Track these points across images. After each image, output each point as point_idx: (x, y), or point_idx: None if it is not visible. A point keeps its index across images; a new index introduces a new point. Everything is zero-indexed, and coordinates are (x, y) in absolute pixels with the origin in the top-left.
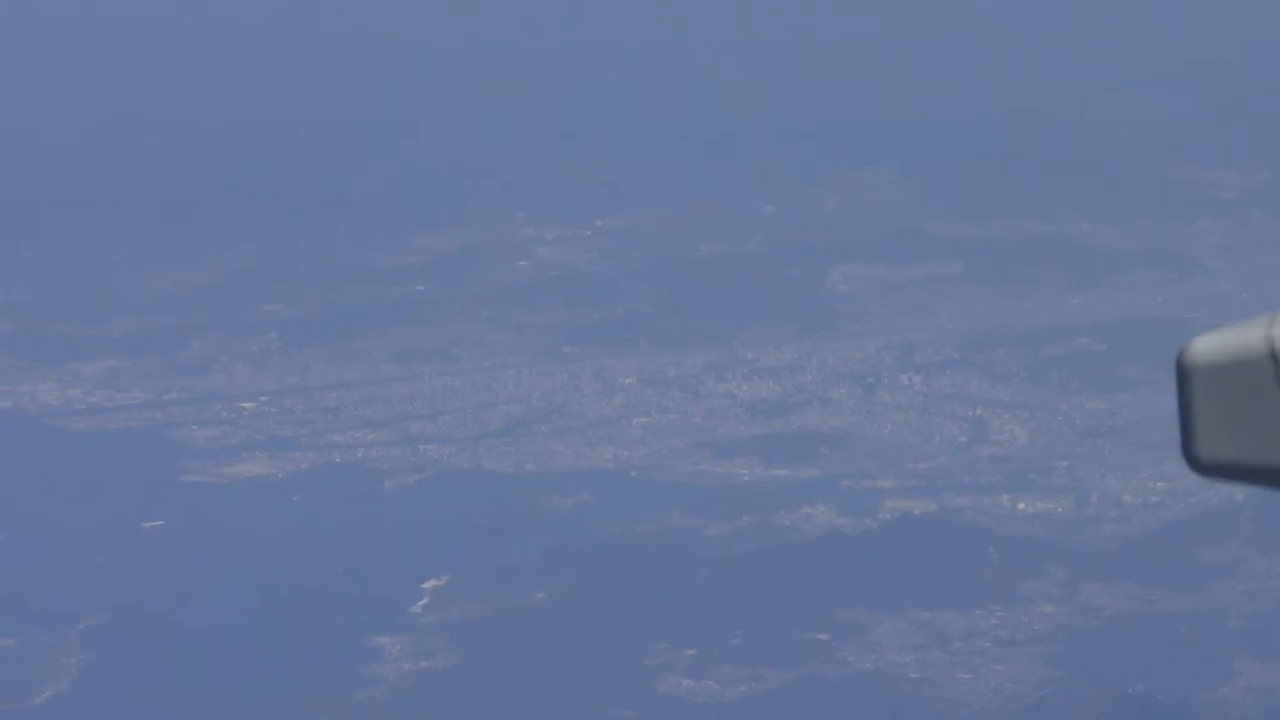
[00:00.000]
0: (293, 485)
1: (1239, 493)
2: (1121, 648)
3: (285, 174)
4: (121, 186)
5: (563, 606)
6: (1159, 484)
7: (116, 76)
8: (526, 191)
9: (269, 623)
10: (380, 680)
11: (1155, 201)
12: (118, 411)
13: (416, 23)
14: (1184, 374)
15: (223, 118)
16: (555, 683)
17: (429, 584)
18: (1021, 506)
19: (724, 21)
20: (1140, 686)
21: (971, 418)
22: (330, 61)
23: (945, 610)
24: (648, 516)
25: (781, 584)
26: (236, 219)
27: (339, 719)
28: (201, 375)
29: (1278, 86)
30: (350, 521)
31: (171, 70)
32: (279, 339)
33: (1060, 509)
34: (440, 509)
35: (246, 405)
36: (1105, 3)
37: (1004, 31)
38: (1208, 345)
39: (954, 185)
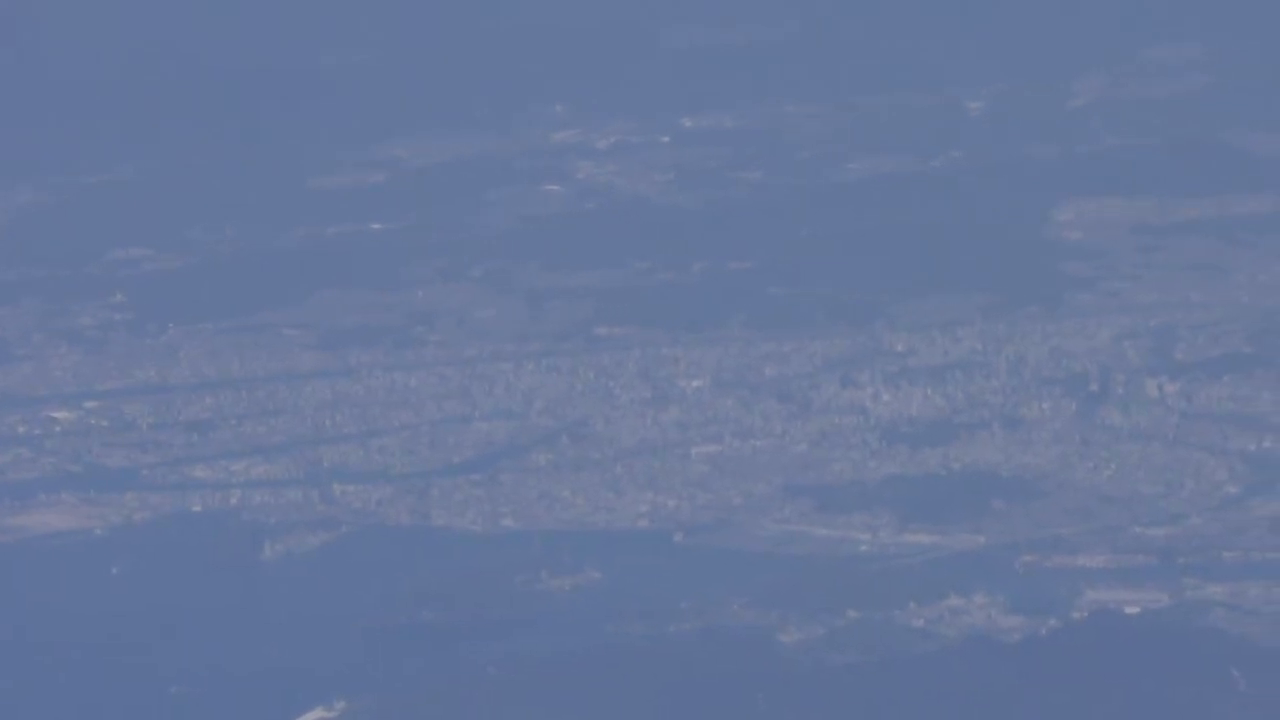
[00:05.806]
0: (115, 549)
1: None
2: None
3: (184, 46)
4: None
5: None
6: None
7: None
8: (572, 73)
9: None
10: None
11: None
12: None
13: None
14: None
15: None
16: None
17: (317, 716)
18: None
19: None
20: None
21: (1253, 453)
22: None
23: None
24: (693, 608)
25: None
26: (97, 112)
27: None
28: None
29: None
30: (206, 611)
31: None
32: (129, 306)
33: None
34: (356, 591)
35: (59, 415)
36: None
37: None
38: None
39: None
